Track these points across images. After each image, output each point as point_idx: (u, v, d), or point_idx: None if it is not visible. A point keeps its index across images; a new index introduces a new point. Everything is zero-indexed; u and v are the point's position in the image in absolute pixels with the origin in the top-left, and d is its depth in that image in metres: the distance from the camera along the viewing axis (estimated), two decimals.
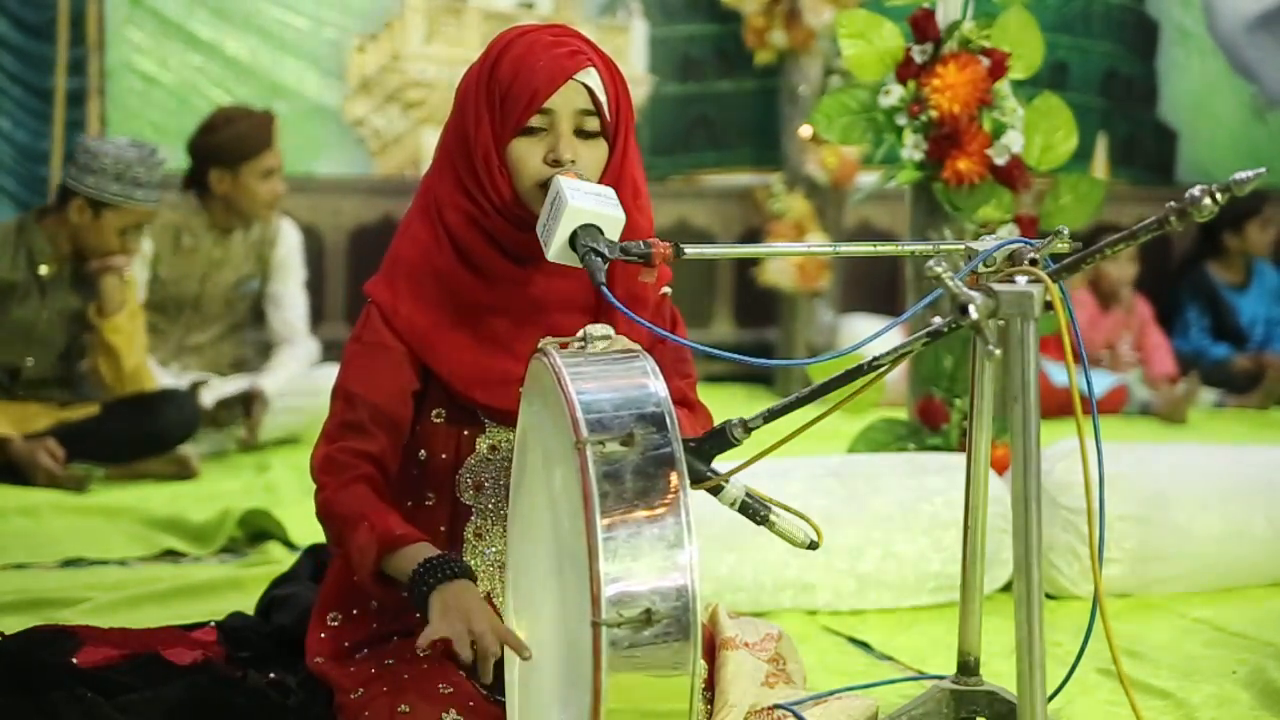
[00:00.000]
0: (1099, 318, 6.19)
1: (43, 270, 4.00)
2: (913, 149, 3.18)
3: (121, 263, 3.98)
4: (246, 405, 4.48)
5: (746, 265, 6.51)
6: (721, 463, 1.77)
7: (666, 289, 2.03)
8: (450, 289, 1.93)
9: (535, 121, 1.87)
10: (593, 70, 1.88)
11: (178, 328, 4.64)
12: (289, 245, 4.77)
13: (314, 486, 1.93)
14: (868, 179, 6.11)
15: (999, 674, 2.04)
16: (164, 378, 4.37)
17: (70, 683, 1.91)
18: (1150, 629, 2.76)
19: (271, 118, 4.60)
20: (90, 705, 1.85)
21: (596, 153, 1.89)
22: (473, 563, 1.97)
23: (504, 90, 1.87)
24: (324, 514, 1.92)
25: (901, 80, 3.19)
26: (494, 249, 1.91)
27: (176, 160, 4.67)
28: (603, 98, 1.88)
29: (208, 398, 4.41)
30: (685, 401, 2.01)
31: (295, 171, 6.12)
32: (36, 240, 3.98)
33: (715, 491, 1.77)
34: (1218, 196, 1.54)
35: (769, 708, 1.85)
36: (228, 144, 4.50)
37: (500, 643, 1.68)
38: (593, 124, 1.88)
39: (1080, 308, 6.07)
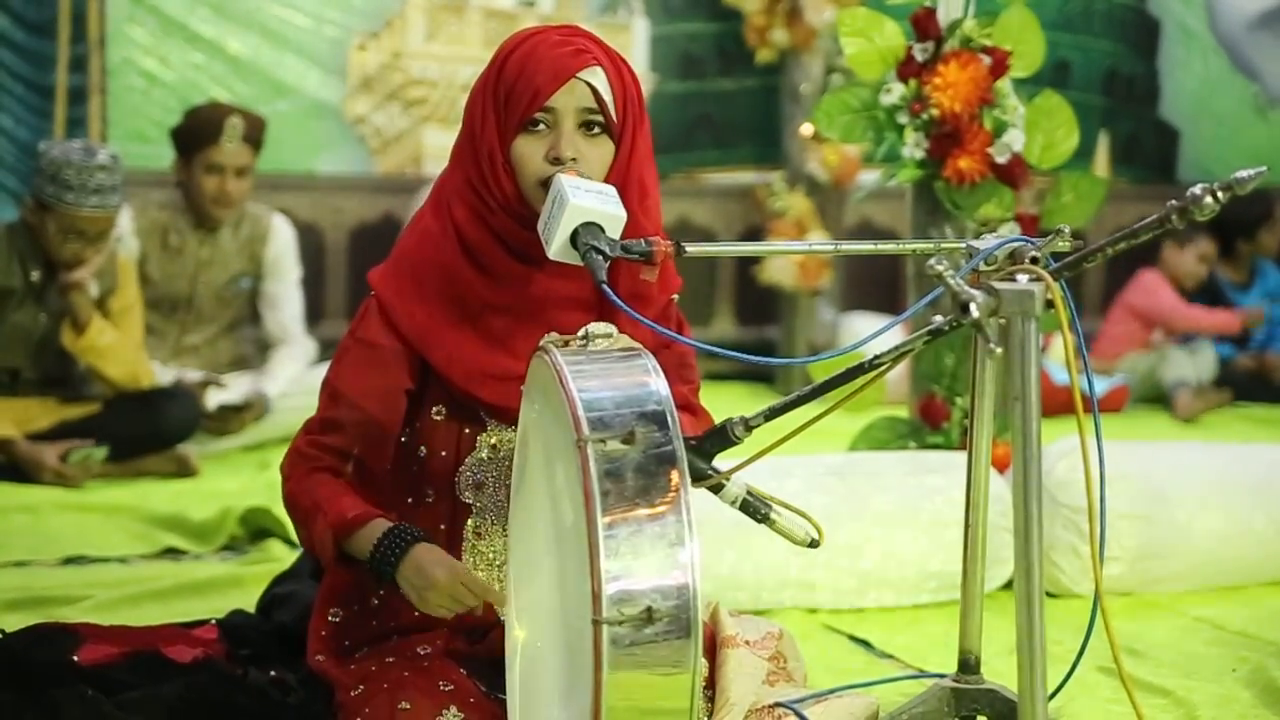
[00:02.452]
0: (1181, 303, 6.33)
1: (34, 276, 4.00)
2: (914, 147, 3.19)
3: (82, 277, 3.92)
4: (246, 410, 4.49)
5: (747, 263, 6.51)
6: (722, 461, 1.77)
7: (674, 295, 2.03)
8: (454, 285, 1.93)
9: (538, 119, 1.87)
10: (598, 69, 1.88)
11: (173, 327, 4.64)
12: (281, 243, 4.74)
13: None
14: (869, 177, 6.11)
15: (999, 672, 2.04)
16: (163, 377, 4.37)
17: (71, 680, 1.92)
18: (1151, 627, 2.76)
19: (224, 113, 4.52)
20: (91, 703, 1.85)
21: (601, 151, 1.89)
22: (472, 561, 1.98)
23: (508, 89, 1.88)
24: (287, 507, 1.96)
25: (903, 78, 3.19)
26: (499, 246, 1.91)
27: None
28: (607, 96, 1.88)
29: (212, 400, 4.40)
30: (687, 406, 2.01)
31: (296, 170, 6.13)
32: (26, 246, 3.98)
33: (716, 490, 1.77)
34: (1219, 195, 1.54)
35: (770, 706, 1.85)
36: (180, 134, 4.55)
37: (477, 595, 1.75)
38: (597, 122, 1.88)
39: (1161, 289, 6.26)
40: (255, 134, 4.54)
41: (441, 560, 1.79)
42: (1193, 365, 6.05)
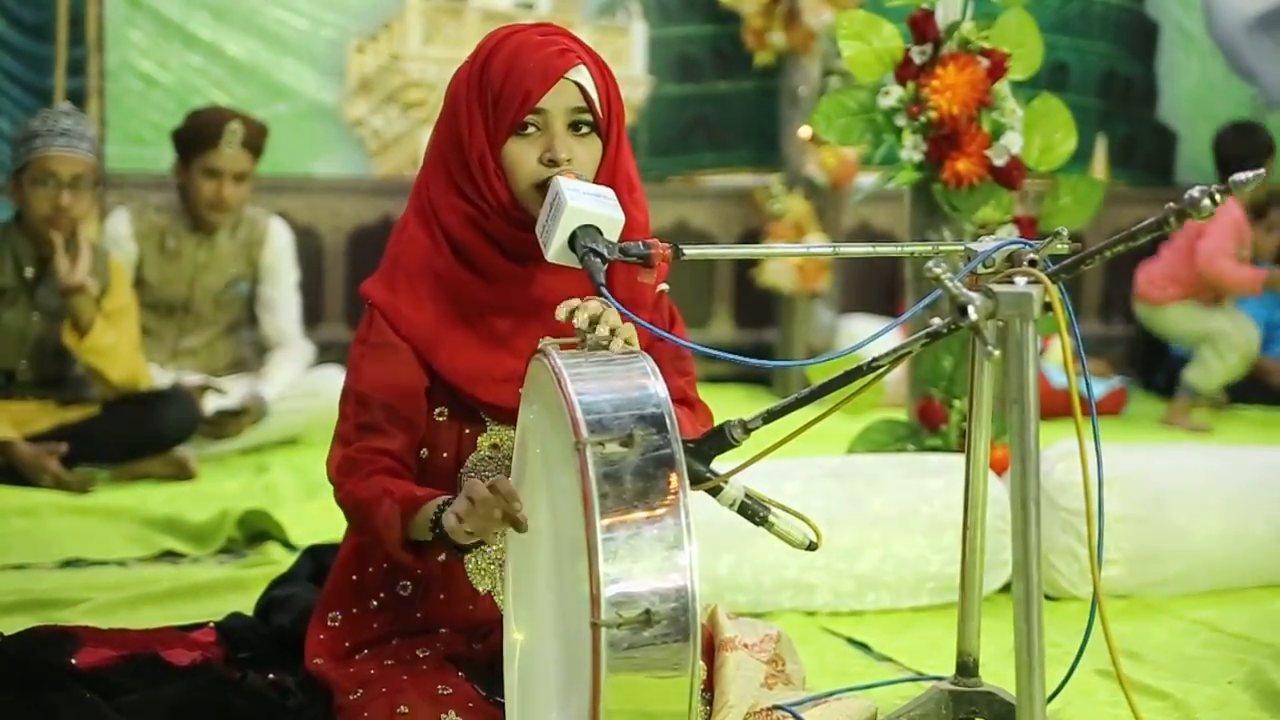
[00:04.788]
0: (1243, 224, 5.87)
1: (28, 273, 4.01)
2: (912, 150, 3.18)
3: (81, 280, 3.91)
4: (244, 414, 4.49)
5: (746, 266, 6.51)
6: (721, 463, 1.77)
7: (664, 285, 2.03)
8: (450, 289, 1.93)
9: (529, 122, 1.87)
10: (583, 68, 1.89)
11: (170, 330, 4.63)
12: (278, 246, 4.74)
13: (328, 488, 1.94)
14: (867, 180, 6.10)
15: (998, 675, 2.04)
16: (161, 380, 4.36)
17: (69, 683, 1.92)
18: (1149, 630, 2.76)
19: (225, 118, 4.52)
20: (89, 706, 1.85)
21: (591, 150, 1.90)
22: (473, 562, 1.98)
23: (496, 92, 1.87)
24: (347, 506, 1.91)
25: (901, 81, 3.19)
26: (493, 248, 1.92)
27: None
28: (594, 95, 1.89)
29: (209, 405, 4.40)
30: (685, 399, 2.02)
31: (294, 172, 6.13)
32: (19, 243, 3.99)
33: (714, 492, 1.77)
34: (1217, 198, 1.54)
35: (768, 708, 1.86)
36: (180, 136, 4.56)
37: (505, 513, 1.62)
38: (586, 121, 1.89)
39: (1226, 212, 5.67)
40: (255, 140, 4.53)
41: (462, 508, 1.67)
42: (1225, 356, 5.74)
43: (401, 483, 1.86)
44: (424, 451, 1.97)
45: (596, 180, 1.87)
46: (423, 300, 1.93)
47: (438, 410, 1.96)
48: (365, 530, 1.91)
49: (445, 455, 1.96)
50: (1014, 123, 3.19)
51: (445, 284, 1.93)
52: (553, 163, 1.85)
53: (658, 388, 1.53)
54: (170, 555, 3.27)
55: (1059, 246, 1.78)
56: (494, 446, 1.96)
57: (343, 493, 1.90)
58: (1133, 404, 6.13)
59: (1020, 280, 1.63)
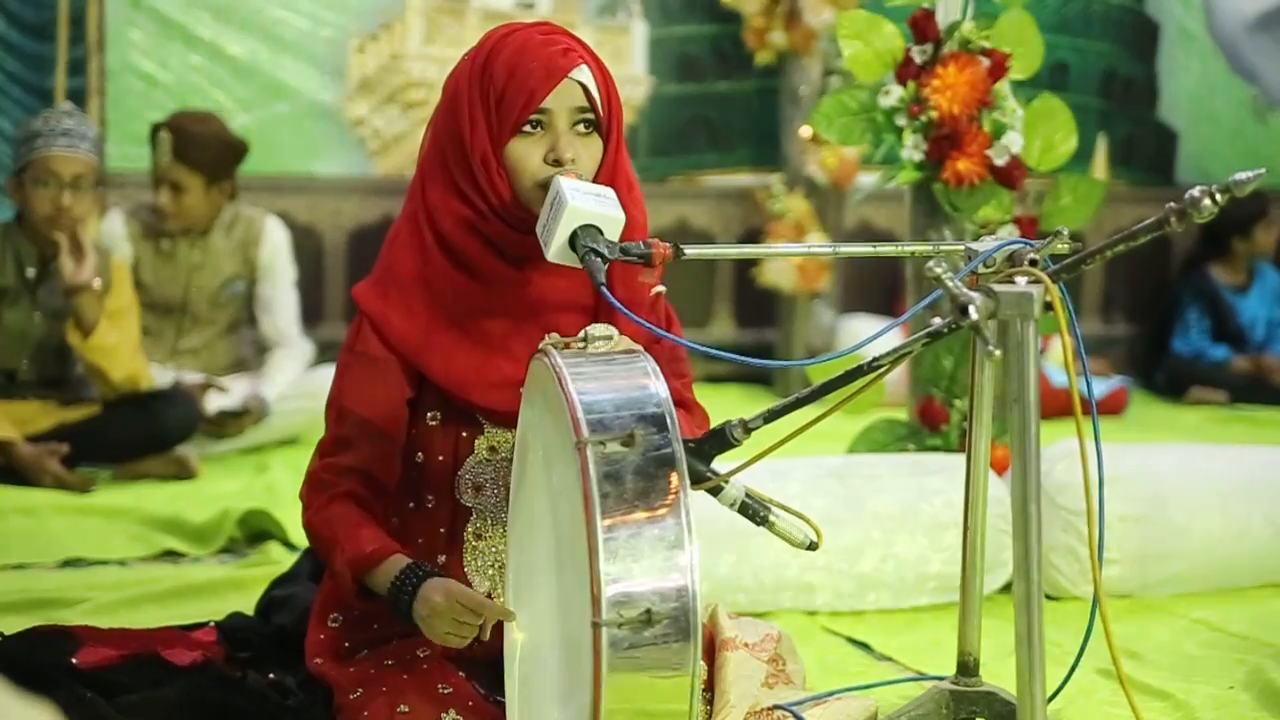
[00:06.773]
0: None
1: (29, 273, 4.01)
2: (912, 149, 3.19)
3: (87, 279, 3.91)
4: (245, 415, 4.49)
5: (746, 266, 6.51)
6: (721, 463, 1.77)
7: (661, 288, 2.02)
8: (443, 295, 1.93)
9: (532, 121, 1.87)
10: (585, 67, 1.89)
11: (169, 330, 4.63)
12: (274, 245, 4.72)
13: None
14: (867, 179, 6.10)
15: (998, 674, 2.05)
16: (162, 379, 4.36)
17: (70, 683, 1.92)
18: (1150, 629, 2.76)
19: (171, 129, 4.45)
20: (90, 705, 1.85)
21: (593, 149, 1.90)
22: (473, 563, 1.98)
23: (499, 92, 1.87)
24: (308, 536, 1.98)
25: (901, 81, 3.19)
26: (491, 252, 1.91)
27: None
28: (596, 94, 1.89)
29: (211, 404, 4.40)
30: (682, 402, 2.01)
31: (294, 171, 6.13)
32: (21, 243, 4.00)
33: (715, 492, 1.77)
34: (1217, 197, 1.54)
35: (769, 708, 1.86)
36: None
37: (475, 613, 1.73)
38: (588, 121, 1.89)
39: None
40: (190, 152, 4.43)
41: (439, 584, 1.78)
42: None
43: (353, 528, 1.88)
44: (419, 456, 1.97)
45: (597, 179, 1.87)
46: (414, 307, 1.93)
47: (430, 415, 1.96)
48: (326, 563, 1.96)
49: (441, 459, 1.96)
50: (1014, 122, 3.19)
51: (438, 290, 1.93)
52: (557, 162, 1.85)
53: (659, 387, 1.53)
54: (171, 555, 3.27)
55: (1059, 246, 1.78)
56: (491, 449, 1.96)
57: (305, 518, 1.96)
58: (1133, 403, 6.14)
59: (1021, 280, 1.63)
